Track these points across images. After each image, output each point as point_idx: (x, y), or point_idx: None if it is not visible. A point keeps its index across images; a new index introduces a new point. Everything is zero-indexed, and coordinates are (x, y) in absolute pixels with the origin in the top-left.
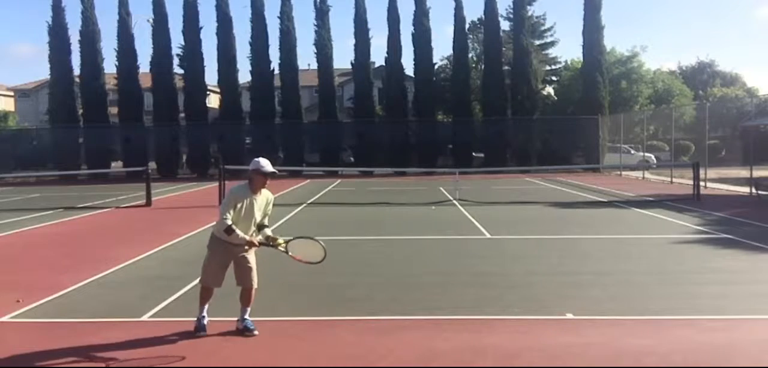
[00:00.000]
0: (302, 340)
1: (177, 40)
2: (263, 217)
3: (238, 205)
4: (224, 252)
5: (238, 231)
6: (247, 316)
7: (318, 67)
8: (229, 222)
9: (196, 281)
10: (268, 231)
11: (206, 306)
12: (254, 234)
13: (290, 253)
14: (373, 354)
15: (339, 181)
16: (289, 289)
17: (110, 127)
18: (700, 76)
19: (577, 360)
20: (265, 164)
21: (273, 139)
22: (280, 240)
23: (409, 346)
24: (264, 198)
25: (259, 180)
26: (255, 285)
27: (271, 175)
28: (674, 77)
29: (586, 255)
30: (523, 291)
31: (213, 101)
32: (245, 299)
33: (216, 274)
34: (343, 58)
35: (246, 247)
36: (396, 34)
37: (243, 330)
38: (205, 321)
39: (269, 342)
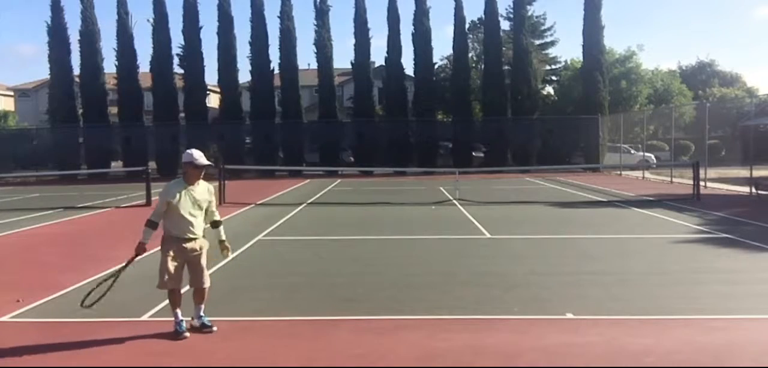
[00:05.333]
0: (302, 340)
1: (177, 40)
2: (212, 212)
3: (174, 201)
4: (177, 251)
5: (149, 231)
6: (202, 314)
7: (318, 66)
8: (154, 219)
9: None
10: (222, 233)
11: (179, 309)
12: (202, 226)
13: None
14: (373, 354)
15: (339, 180)
16: (289, 289)
17: (110, 127)
18: (700, 76)
19: (577, 360)
20: (198, 156)
21: (273, 138)
22: (227, 247)
23: (409, 346)
24: (203, 189)
25: (192, 172)
26: (207, 284)
27: (205, 167)
28: (673, 76)
29: (586, 255)
30: (523, 291)
31: (213, 101)
32: (199, 297)
33: (173, 275)
34: (343, 58)
35: (197, 247)
36: (396, 34)
37: (200, 328)
38: (184, 325)
39: (269, 342)
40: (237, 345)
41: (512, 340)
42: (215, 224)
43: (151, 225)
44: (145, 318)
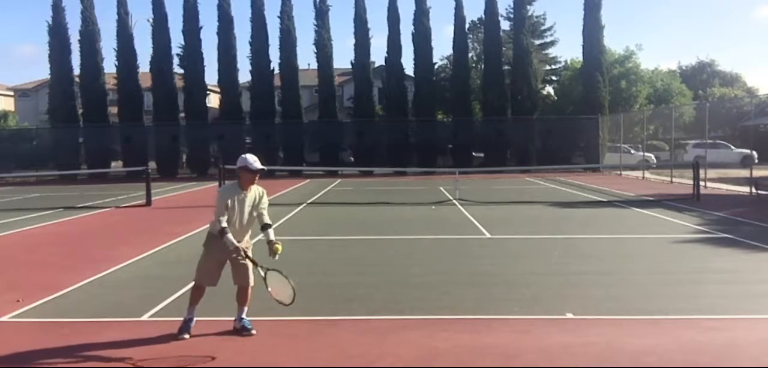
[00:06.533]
0: (302, 340)
1: (177, 40)
2: (262, 214)
3: (229, 204)
4: (221, 250)
5: (230, 237)
6: (244, 316)
7: (318, 66)
8: (224, 224)
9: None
10: (272, 234)
11: (195, 308)
12: (249, 235)
13: (267, 284)
14: (373, 354)
15: (339, 180)
16: None
17: (110, 127)
18: (700, 76)
19: (577, 360)
20: (253, 161)
21: (273, 138)
22: (278, 245)
23: (409, 346)
24: (253, 194)
25: (247, 177)
26: (251, 282)
27: (259, 172)
28: (673, 76)
29: (586, 255)
30: (523, 291)
31: (213, 101)
32: (242, 298)
33: (212, 273)
34: (343, 58)
35: (241, 248)
36: (396, 34)
37: (240, 330)
38: (193, 323)
39: (269, 342)
40: (237, 345)
41: (512, 340)
42: (264, 227)
43: (225, 231)
44: (145, 318)
